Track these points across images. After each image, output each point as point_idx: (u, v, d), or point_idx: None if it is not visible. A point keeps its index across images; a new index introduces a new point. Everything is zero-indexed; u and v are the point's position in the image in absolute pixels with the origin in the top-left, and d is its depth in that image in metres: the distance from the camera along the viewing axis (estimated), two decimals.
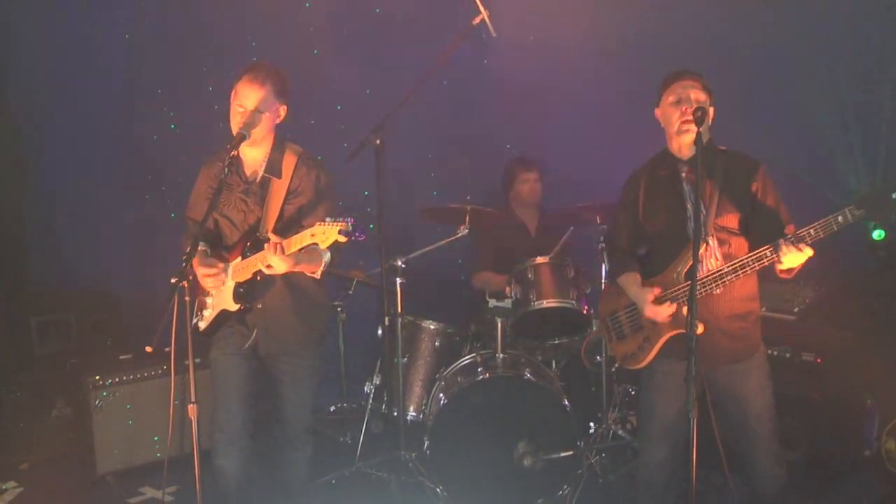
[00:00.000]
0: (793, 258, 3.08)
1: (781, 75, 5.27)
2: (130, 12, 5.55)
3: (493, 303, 4.62)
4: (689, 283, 3.14)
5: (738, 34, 5.30)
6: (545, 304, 4.52)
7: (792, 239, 3.04)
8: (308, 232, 3.10)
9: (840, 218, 2.96)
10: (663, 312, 3.34)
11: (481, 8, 3.91)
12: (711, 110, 3.35)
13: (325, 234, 3.06)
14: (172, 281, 3.07)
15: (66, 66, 5.42)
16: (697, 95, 3.29)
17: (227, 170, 3.31)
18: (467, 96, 5.95)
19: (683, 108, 3.27)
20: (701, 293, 3.25)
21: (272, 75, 3.43)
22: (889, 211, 2.87)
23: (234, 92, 3.44)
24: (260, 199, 3.50)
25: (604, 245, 4.57)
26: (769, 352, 3.50)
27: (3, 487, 4.71)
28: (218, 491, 3.54)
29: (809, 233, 3.03)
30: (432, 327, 4.75)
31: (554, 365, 4.87)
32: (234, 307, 3.47)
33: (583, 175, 5.69)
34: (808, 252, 3.04)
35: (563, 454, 4.25)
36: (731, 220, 3.31)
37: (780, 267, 3.16)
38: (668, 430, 3.43)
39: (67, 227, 5.53)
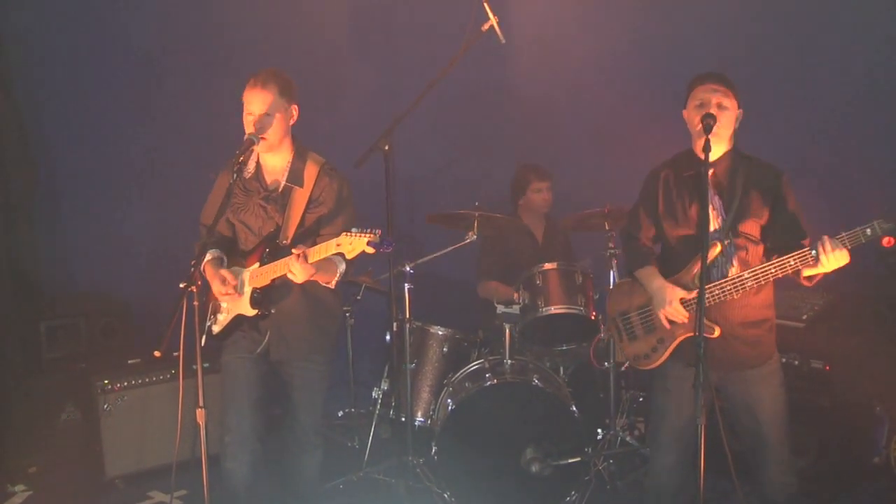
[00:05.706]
0: (830, 262, 3.04)
1: (792, 78, 5.25)
2: (140, 13, 5.57)
3: (501, 309, 4.61)
4: (707, 286, 3.13)
5: (748, 42, 5.29)
6: (553, 310, 4.52)
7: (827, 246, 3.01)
8: (334, 241, 3.12)
9: (868, 230, 2.97)
10: (683, 315, 3.33)
11: (490, 14, 3.91)
12: (739, 113, 3.31)
13: (353, 244, 3.08)
14: (181, 285, 3.09)
15: (76, 68, 5.44)
16: (720, 100, 3.24)
17: (235, 175, 3.33)
18: (476, 102, 5.96)
19: (703, 113, 3.23)
20: (720, 297, 3.24)
21: (274, 77, 3.46)
22: None
23: (243, 103, 3.47)
24: (281, 207, 3.52)
25: (619, 239, 4.47)
26: None
27: (13, 490, 4.73)
28: (227, 494, 3.54)
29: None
30: (440, 333, 4.74)
31: (562, 371, 4.86)
32: (251, 312, 3.48)
33: (591, 181, 5.69)
34: (846, 255, 3.02)
35: (570, 460, 4.24)
36: (751, 227, 3.30)
37: (805, 273, 3.15)
38: (677, 436, 3.40)
39: (77, 231, 5.53)
